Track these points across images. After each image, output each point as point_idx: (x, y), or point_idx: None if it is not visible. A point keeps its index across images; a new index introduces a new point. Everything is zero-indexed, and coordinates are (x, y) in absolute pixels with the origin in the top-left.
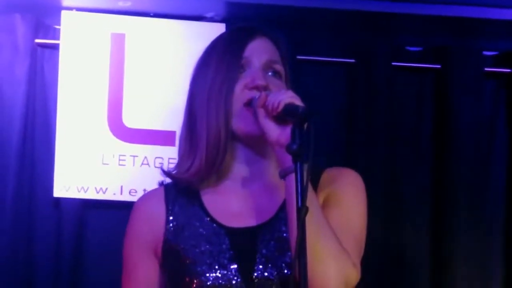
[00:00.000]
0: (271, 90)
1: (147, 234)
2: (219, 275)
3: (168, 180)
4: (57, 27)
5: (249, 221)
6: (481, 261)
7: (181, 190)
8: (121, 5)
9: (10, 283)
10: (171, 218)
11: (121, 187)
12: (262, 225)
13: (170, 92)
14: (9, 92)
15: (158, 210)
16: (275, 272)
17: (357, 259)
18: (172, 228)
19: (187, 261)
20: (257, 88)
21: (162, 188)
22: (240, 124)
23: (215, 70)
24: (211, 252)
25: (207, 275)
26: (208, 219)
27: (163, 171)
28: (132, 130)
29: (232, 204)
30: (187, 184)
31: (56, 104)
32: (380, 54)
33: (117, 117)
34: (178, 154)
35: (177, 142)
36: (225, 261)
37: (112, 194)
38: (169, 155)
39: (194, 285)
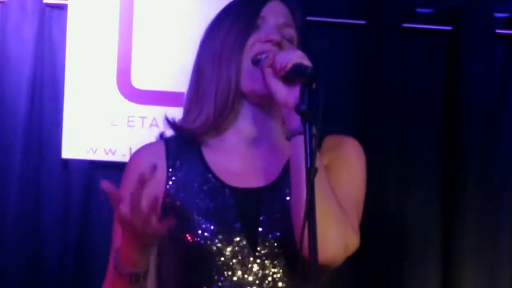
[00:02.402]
0: (283, 49)
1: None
2: (223, 232)
3: (168, 134)
4: None
5: (253, 182)
6: (490, 224)
7: (182, 145)
8: None
9: (18, 245)
10: (172, 172)
11: (130, 148)
12: (266, 187)
13: (180, 53)
14: (17, 53)
15: (159, 165)
16: (278, 234)
17: (357, 224)
18: (173, 183)
19: (190, 217)
20: (271, 41)
21: (162, 142)
22: (248, 81)
23: (230, 26)
24: (215, 209)
25: (211, 231)
26: (211, 175)
27: (168, 120)
28: (141, 91)
29: (235, 164)
30: (191, 136)
31: (64, 65)
32: (390, 15)
33: (126, 78)
34: (183, 109)
35: None
36: (229, 219)
37: (121, 156)
38: (179, 116)
39: (196, 241)
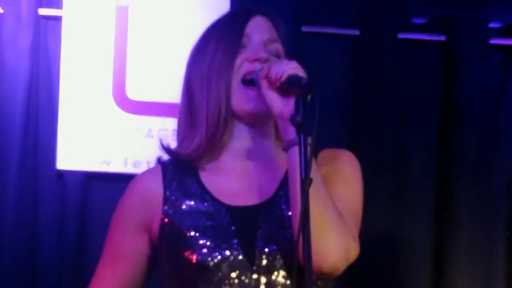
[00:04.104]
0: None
1: (142, 211)
2: (220, 248)
3: (166, 157)
4: None
5: (249, 200)
6: (485, 230)
7: (179, 167)
8: None
9: (14, 257)
10: (169, 195)
11: (125, 159)
12: (263, 204)
13: (174, 64)
14: (12, 63)
15: (156, 187)
16: (276, 248)
17: (356, 234)
18: (171, 204)
19: (187, 235)
20: (258, 60)
21: (159, 166)
22: (238, 102)
23: (215, 47)
24: (212, 226)
25: (209, 249)
26: (208, 196)
27: (163, 146)
28: (136, 102)
29: (231, 183)
30: (186, 161)
31: (59, 75)
32: (386, 25)
33: (121, 89)
34: (177, 135)
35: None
36: (227, 236)
37: (116, 167)
38: (174, 127)
39: (195, 259)
